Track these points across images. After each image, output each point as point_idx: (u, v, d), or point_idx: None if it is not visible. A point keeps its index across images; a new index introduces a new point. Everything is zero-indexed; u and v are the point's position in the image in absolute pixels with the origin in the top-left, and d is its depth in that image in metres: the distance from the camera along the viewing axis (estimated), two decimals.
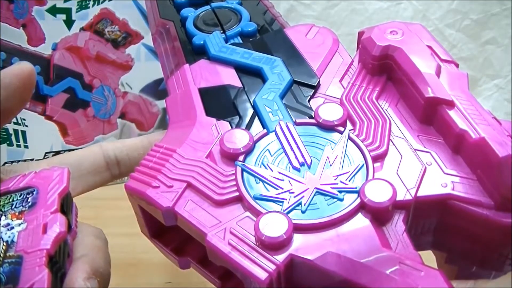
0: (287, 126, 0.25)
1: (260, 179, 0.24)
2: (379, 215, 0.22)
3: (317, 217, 0.22)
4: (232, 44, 0.31)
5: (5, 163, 0.52)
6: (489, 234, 0.22)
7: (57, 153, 0.54)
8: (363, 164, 0.24)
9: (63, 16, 0.51)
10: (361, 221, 0.22)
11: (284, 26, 0.33)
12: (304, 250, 0.21)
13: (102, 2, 0.53)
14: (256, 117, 0.27)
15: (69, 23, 0.52)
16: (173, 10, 0.35)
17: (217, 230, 0.22)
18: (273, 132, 0.25)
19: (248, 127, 0.26)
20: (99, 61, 0.54)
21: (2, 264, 0.20)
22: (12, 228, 0.22)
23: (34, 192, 0.23)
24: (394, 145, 0.24)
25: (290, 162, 0.24)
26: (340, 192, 0.23)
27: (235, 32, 0.32)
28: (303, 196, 0.23)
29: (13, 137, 0.52)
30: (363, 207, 0.22)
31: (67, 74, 0.53)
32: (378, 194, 0.22)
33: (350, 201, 0.22)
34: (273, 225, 0.21)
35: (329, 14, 0.65)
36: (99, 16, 0.53)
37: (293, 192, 0.23)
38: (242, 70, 0.29)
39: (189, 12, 0.33)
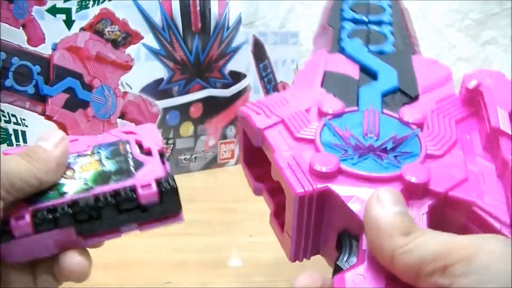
0: (374, 111, 0.31)
1: (334, 133, 0.30)
2: (410, 190, 0.26)
3: (362, 170, 0.27)
4: None
5: None
6: None
7: None
8: (417, 154, 0.29)
9: (63, 16, 0.51)
10: (393, 188, 0.26)
11: (417, 54, 0.39)
12: (340, 189, 0.26)
13: (102, 2, 0.53)
14: (356, 101, 0.33)
15: (69, 23, 0.52)
16: (338, 20, 0.42)
17: (285, 152, 0.28)
18: (362, 112, 0.32)
19: (346, 103, 0.32)
20: (99, 61, 0.54)
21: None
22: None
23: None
24: (451, 155, 0.29)
25: (363, 130, 0.30)
26: (387, 163, 0.28)
27: (376, 50, 0.38)
28: (359, 154, 0.28)
29: (13, 137, 0.52)
30: (400, 179, 0.27)
31: (67, 74, 0.53)
32: (415, 173, 0.26)
33: (392, 171, 0.27)
34: (325, 161, 0.27)
35: None
36: (99, 16, 0.53)
37: (353, 149, 0.29)
38: (365, 70, 0.36)
39: (348, 25, 0.41)
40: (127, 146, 0.30)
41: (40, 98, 0.52)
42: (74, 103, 0.54)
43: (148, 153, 0.29)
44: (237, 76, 0.65)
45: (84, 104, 0.54)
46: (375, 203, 0.24)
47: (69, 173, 0.28)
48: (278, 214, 0.31)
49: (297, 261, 0.29)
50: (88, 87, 0.54)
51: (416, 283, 0.21)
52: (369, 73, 0.36)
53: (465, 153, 0.30)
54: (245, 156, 0.34)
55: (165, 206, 0.27)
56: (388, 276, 0.23)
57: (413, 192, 0.26)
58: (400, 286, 0.22)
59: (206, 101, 0.62)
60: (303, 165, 0.27)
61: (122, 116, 0.57)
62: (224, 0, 0.61)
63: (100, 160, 0.29)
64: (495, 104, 0.30)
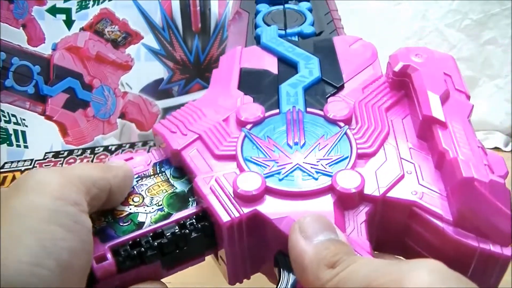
0: (297, 111, 0.29)
1: (256, 146, 0.27)
2: (344, 200, 0.25)
3: (290, 186, 0.25)
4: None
5: (5, 163, 0.52)
6: (445, 248, 0.24)
7: (57, 153, 0.54)
8: (347, 157, 0.27)
9: (63, 16, 0.51)
10: (326, 200, 0.25)
11: (339, 33, 0.37)
12: (268, 210, 0.24)
13: (102, 2, 0.53)
14: (277, 101, 0.30)
15: (69, 23, 0.52)
16: (253, 3, 0.40)
17: (206, 176, 0.26)
18: (284, 114, 0.29)
19: (267, 105, 0.30)
20: (99, 61, 0.54)
21: None
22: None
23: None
24: (384, 150, 0.27)
25: (287, 139, 0.28)
26: (317, 172, 0.26)
27: (294, 32, 0.36)
28: (285, 168, 0.26)
29: (13, 137, 0.52)
30: (332, 190, 0.25)
31: (67, 74, 0.53)
32: (348, 181, 0.25)
33: (322, 181, 0.25)
34: (249, 182, 0.25)
35: None
36: (99, 16, 0.53)
37: (278, 162, 0.27)
38: (283, 61, 0.33)
39: (264, 8, 0.38)
40: None
41: (40, 98, 0.52)
42: (74, 103, 0.54)
43: None
44: None
45: (84, 104, 0.54)
46: (297, 236, 0.22)
47: (137, 199, 0.25)
48: None
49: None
50: (88, 87, 0.54)
51: None
52: (289, 65, 0.33)
53: (398, 145, 0.28)
54: None
55: None
56: None
57: (348, 202, 0.25)
58: None
59: None
60: (227, 188, 0.25)
61: (122, 116, 0.57)
62: (224, 0, 0.60)
63: (167, 180, 0.27)
64: (425, 88, 0.28)
